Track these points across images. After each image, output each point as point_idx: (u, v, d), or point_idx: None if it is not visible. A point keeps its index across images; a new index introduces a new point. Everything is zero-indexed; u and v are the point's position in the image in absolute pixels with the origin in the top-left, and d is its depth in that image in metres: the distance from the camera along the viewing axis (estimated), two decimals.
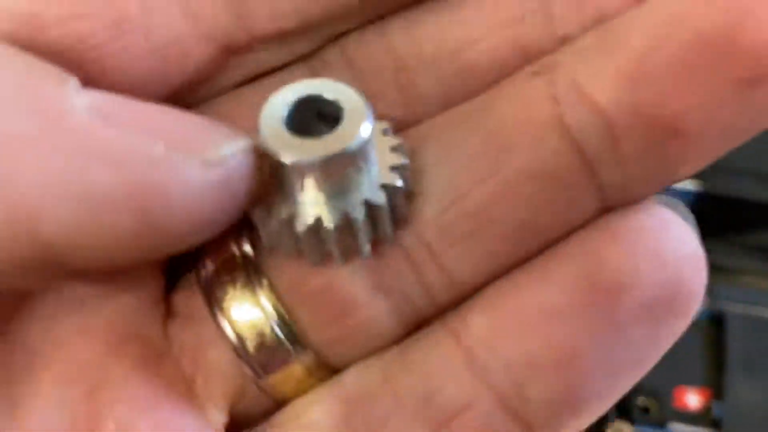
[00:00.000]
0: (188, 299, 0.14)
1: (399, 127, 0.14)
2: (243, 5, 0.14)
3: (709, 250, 0.41)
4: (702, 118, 0.11)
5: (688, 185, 0.40)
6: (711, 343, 0.35)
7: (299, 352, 0.14)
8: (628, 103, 0.12)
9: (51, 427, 0.13)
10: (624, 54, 0.12)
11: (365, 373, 0.14)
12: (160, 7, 0.13)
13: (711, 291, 0.37)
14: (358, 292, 0.13)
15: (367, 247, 0.13)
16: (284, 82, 0.14)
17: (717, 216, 0.40)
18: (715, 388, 0.34)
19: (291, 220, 0.12)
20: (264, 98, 0.13)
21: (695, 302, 0.12)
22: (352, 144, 0.12)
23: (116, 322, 0.14)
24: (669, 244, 0.12)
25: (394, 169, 0.13)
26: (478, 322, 0.13)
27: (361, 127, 0.12)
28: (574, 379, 0.12)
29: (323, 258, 0.13)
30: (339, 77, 0.13)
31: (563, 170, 0.12)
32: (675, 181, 0.13)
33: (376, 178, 0.13)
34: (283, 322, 0.14)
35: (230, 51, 0.14)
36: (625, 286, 0.12)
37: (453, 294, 0.13)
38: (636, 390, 0.34)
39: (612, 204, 0.13)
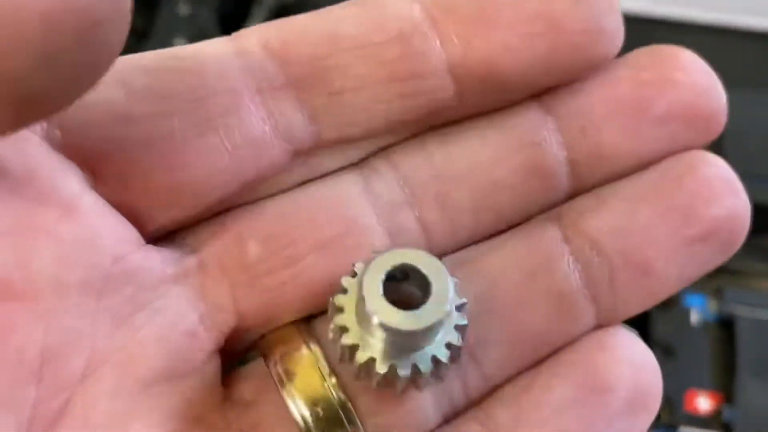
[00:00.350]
0: (247, 384, 0.16)
1: (435, 230, 0.17)
2: (315, 111, 0.16)
3: None
4: (666, 262, 0.16)
5: None
6: (721, 346, 0.35)
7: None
8: (618, 247, 0.16)
9: None
10: (613, 214, 0.16)
11: None
12: (244, 109, 0.15)
13: (721, 294, 0.37)
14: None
15: (422, 386, 0.16)
16: (337, 185, 0.16)
17: None
18: (726, 392, 0.34)
19: (370, 364, 0.15)
20: (319, 198, 0.16)
21: (658, 401, 0.16)
22: (437, 319, 0.15)
23: (179, 406, 0.15)
24: (639, 356, 0.16)
25: (458, 328, 0.15)
26: (503, 415, 0.16)
27: (446, 304, 0.15)
28: None
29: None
30: (386, 181, 0.16)
31: (574, 294, 0.16)
32: (637, 312, 0.17)
33: (443, 335, 0.15)
34: (344, 407, 0.15)
35: (298, 153, 0.16)
36: (613, 387, 0.15)
37: (484, 390, 0.16)
38: None
39: (602, 323, 0.16)
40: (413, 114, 0.16)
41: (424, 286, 0.15)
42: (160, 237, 0.16)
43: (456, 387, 0.16)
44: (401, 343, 0.15)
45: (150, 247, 0.16)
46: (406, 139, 0.17)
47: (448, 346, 0.15)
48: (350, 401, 0.15)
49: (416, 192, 0.17)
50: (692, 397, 0.34)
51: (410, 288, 0.16)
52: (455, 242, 0.17)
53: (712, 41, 0.47)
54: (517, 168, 0.17)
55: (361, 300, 0.15)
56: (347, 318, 0.15)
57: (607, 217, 0.16)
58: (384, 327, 0.14)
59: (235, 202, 0.16)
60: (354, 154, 0.17)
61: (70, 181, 0.14)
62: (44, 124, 0.14)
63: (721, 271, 0.40)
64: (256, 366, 0.16)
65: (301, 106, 0.16)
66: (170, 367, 0.15)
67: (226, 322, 0.16)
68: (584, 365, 0.16)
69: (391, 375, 0.15)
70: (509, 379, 0.16)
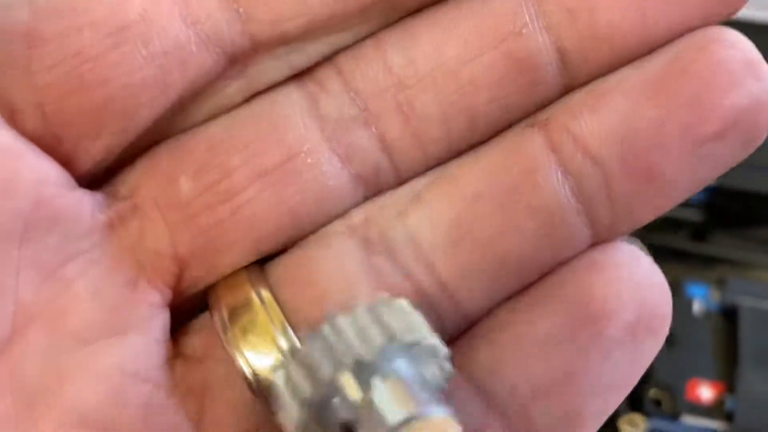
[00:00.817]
0: (196, 340, 0.14)
1: (399, 147, 0.14)
2: (245, 8, 0.14)
3: (722, 244, 0.42)
4: (675, 166, 0.13)
5: None
6: (724, 336, 0.35)
7: None
8: (616, 153, 0.14)
9: None
10: (611, 113, 0.14)
11: None
12: (159, 14, 0.13)
13: (724, 285, 0.36)
14: None
15: None
16: (276, 103, 0.14)
17: (731, 210, 0.40)
18: (728, 381, 0.33)
19: None
20: (258, 124, 0.14)
21: (667, 323, 0.14)
22: None
23: (120, 363, 0.13)
24: (642, 274, 0.14)
25: None
26: (482, 356, 0.14)
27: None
28: (571, 400, 0.13)
29: None
30: (334, 95, 0.14)
31: (563, 210, 0.14)
32: (645, 222, 0.14)
33: None
34: None
35: (232, 59, 0.14)
36: (610, 312, 0.13)
37: (461, 325, 0.14)
38: (648, 383, 0.34)
39: (599, 241, 0.14)
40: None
41: None
42: (95, 181, 0.14)
43: (431, 323, 0.13)
44: None
45: (80, 190, 0.14)
46: (357, 42, 0.14)
47: None
48: None
49: (372, 105, 0.14)
50: (694, 387, 0.34)
51: None
52: (424, 159, 0.14)
53: None
54: (493, 64, 0.14)
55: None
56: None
57: (602, 117, 0.14)
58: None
59: (171, 130, 0.15)
60: (298, 60, 0.14)
61: None
62: None
63: (723, 262, 0.40)
64: (207, 318, 0.14)
65: (227, 1, 0.14)
66: (109, 322, 0.13)
67: (168, 270, 0.14)
68: (575, 290, 0.13)
69: None
70: (491, 314, 0.14)
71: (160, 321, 0.14)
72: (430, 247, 0.14)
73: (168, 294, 0.14)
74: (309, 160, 0.14)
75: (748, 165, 0.43)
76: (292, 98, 0.14)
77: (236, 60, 0.14)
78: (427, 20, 0.14)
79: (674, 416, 0.33)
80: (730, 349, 0.34)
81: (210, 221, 0.14)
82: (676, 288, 0.36)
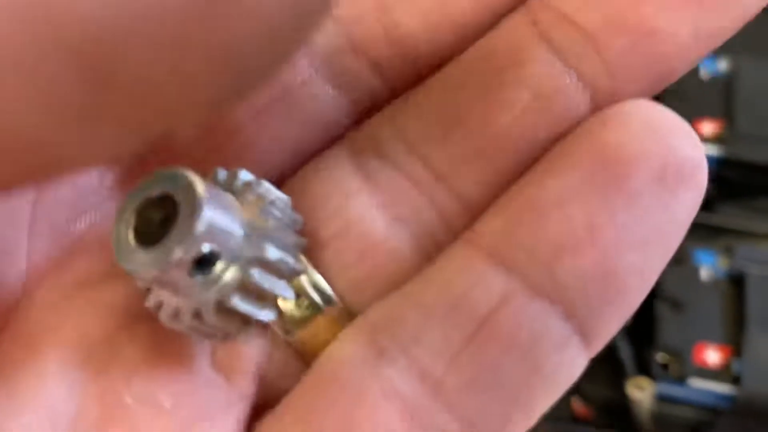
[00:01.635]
0: None
1: (389, 68, 0.14)
2: None
3: (729, 214, 0.42)
4: (671, 16, 0.12)
5: (710, 150, 0.40)
6: (731, 302, 0.35)
7: (326, 303, 0.13)
8: (604, 14, 0.12)
9: (58, 410, 0.12)
10: None
11: (387, 302, 0.13)
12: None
13: (731, 252, 0.37)
14: (378, 227, 0.13)
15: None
16: None
17: (738, 181, 0.40)
18: (735, 345, 0.34)
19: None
20: None
21: (702, 172, 0.12)
22: (176, 253, 0.11)
23: (127, 299, 0.13)
24: (664, 120, 0.12)
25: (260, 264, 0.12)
26: (493, 224, 0.12)
27: (189, 230, 0.11)
28: (600, 254, 0.12)
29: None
30: (322, 33, 0.13)
31: (554, 77, 0.13)
32: (652, 90, 0.13)
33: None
34: (307, 276, 0.13)
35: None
36: (633, 160, 0.12)
37: (466, 217, 0.13)
38: (656, 346, 0.34)
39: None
40: None
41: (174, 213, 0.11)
42: None
43: (431, 217, 0.13)
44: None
45: None
46: None
47: (258, 265, 0.12)
48: (312, 265, 0.13)
49: (356, 31, 0.14)
50: (701, 350, 0.34)
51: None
52: (416, 74, 0.14)
53: None
54: None
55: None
56: None
57: None
58: (135, 274, 0.12)
59: None
60: None
61: None
62: None
63: (730, 232, 0.40)
64: None
65: None
66: (114, 270, 0.12)
67: None
68: (589, 142, 0.12)
69: (175, 318, 0.12)
70: (493, 197, 0.13)
71: None
72: (422, 140, 0.13)
73: None
74: (304, 91, 0.14)
75: (755, 138, 0.43)
76: None
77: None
78: None
79: (681, 379, 0.33)
80: (737, 314, 0.34)
81: (214, 160, 0.13)
82: (683, 255, 0.36)
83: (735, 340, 0.34)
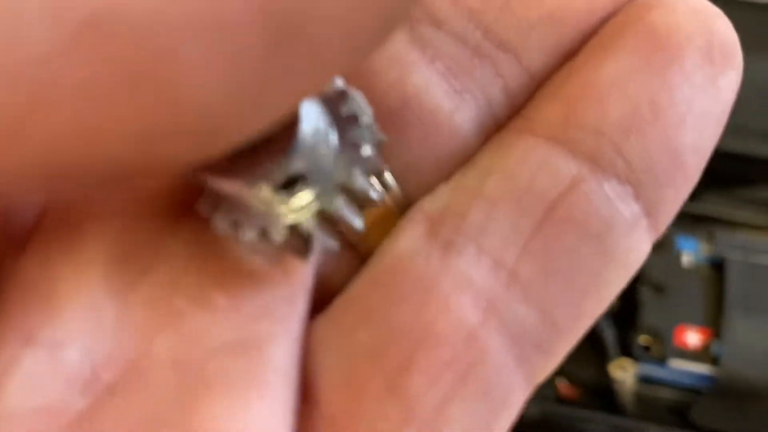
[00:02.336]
0: None
1: None
2: None
3: (711, 202, 0.42)
4: None
5: None
6: (711, 286, 0.36)
7: (386, 189, 0.12)
8: None
9: (101, 314, 0.11)
10: None
11: (443, 194, 0.12)
12: None
13: (712, 238, 0.37)
14: (440, 102, 0.12)
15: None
16: None
17: (720, 171, 0.41)
18: (714, 327, 0.34)
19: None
20: None
21: (739, 52, 0.12)
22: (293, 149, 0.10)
23: (169, 194, 0.11)
24: (703, 5, 0.12)
25: (360, 163, 0.11)
26: (550, 109, 0.12)
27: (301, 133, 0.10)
28: (664, 132, 0.12)
29: None
30: None
31: None
32: None
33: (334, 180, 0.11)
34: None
35: None
36: (683, 41, 0.12)
37: (529, 85, 0.12)
38: (638, 329, 0.35)
39: None
40: None
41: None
42: None
43: (496, 96, 0.12)
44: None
45: None
46: None
47: (346, 191, 0.11)
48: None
49: None
50: (682, 332, 0.35)
51: None
52: None
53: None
54: None
55: None
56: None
57: None
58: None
59: None
60: None
61: None
62: None
63: (713, 221, 0.41)
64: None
65: None
66: None
67: None
68: (639, 25, 0.12)
69: (263, 246, 0.11)
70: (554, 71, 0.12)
71: None
72: (481, 10, 0.12)
73: None
74: None
75: (738, 129, 0.43)
76: None
77: None
78: None
79: (662, 360, 0.34)
80: (717, 298, 0.35)
81: None
82: (666, 242, 0.37)
83: (714, 323, 0.34)
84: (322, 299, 0.12)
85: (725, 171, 0.41)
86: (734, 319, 0.34)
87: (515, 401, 0.11)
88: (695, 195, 0.40)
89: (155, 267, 0.11)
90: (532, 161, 0.12)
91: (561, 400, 0.35)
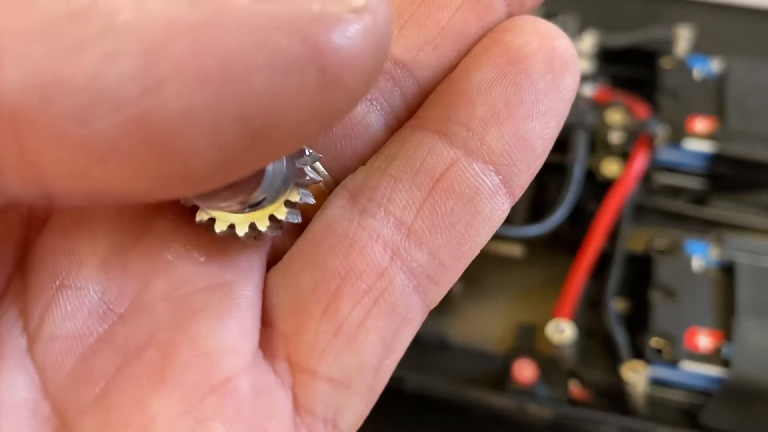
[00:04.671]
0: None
1: None
2: None
3: (721, 208, 0.42)
4: None
5: (703, 147, 0.40)
6: (721, 290, 0.35)
7: (320, 175, 0.16)
8: None
9: (107, 272, 0.14)
10: None
11: (360, 174, 0.16)
12: None
13: (722, 242, 0.37)
14: (358, 109, 0.16)
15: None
16: None
17: (729, 176, 0.40)
18: (725, 330, 0.34)
19: (209, 224, 0.15)
20: None
21: (575, 62, 0.16)
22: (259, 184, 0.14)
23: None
24: (548, 28, 0.16)
25: (299, 183, 0.15)
26: (435, 110, 0.16)
27: (273, 174, 0.14)
28: (516, 124, 0.15)
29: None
30: None
31: None
32: None
33: (285, 194, 0.15)
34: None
35: None
36: (529, 54, 0.15)
37: (422, 97, 0.16)
38: (650, 332, 0.34)
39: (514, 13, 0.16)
40: None
41: None
42: None
43: (397, 102, 0.16)
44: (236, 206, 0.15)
45: None
46: None
47: (288, 204, 0.15)
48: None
49: None
50: (693, 335, 0.34)
51: None
52: None
53: (716, 17, 0.48)
54: None
55: None
56: None
57: None
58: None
59: None
60: None
61: None
62: None
63: (723, 226, 0.40)
64: None
65: None
66: None
67: None
68: (497, 46, 0.16)
69: (230, 233, 0.15)
70: (440, 81, 0.16)
71: None
72: None
73: None
74: None
75: (747, 135, 0.43)
76: None
77: None
78: None
79: (674, 363, 0.34)
80: (727, 301, 0.35)
81: None
82: (676, 247, 0.37)
83: (725, 326, 0.34)
84: (277, 254, 0.16)
85: (734, 176, 0.40)
86: (745, 321, 0.34)
87: (415, 317, 0.15)
88: (705, 200, 0.40)
89: (148, 234, 0.15)
90: (423, 148, 0.15)
91: (573, 402, 0.35)
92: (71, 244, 0.14)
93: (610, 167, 0.39)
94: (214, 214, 0.14)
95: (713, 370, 0.33)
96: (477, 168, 0.15)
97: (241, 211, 0.14)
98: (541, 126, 0.15)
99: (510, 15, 0.16)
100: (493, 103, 0.15)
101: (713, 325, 0.34)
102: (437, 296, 0.15)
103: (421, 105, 0.16)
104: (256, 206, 0.14)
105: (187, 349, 0.14)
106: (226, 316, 0.14)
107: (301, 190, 0.15)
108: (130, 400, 0.13)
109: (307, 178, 0.15)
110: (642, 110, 0.41)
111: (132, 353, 0.14)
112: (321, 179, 0.15)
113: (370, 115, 0.16)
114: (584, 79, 0.42)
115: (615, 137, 0.40)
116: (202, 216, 0.14)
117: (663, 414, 0.35)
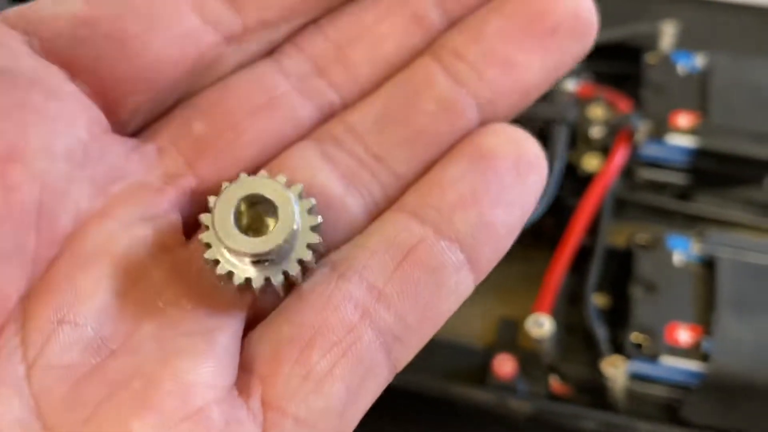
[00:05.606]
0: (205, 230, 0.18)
1: (342, 86, 0.19)
2: (238, 1, 0.18)
3: (704, 203, 0.41)
4: (525, 54, 0.18)
5: (686, 142, 0.39)
6: (702, 284, 0.35)
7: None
8: (478, 50, 0.18)
9: (104, 312, 0.16)
10: (468, 28, 0.19)
11: (343, 248, 0.18)
12: (177, 6, 0.18)
13: (704, 237, 0.36)
14: (337, 192, 0.18)
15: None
16: (256, 69, 0.19)
17: (712, 171, 0.40)
18: (705, 325, 0.34)
19: (227, 276, 0.17)
20: (245, 87, 0.18)
21: (542, 164, 0.18)
22: (280, 243, 0.16)
23: (150, 235, 0.17)
24: (516, 133, 0.18)
25: (311, 246, 0.17)
26: (412, 196, 0.18)
27: (290, 228, 0.16)
28: (482, 211, 0.17)
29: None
30: (292, 59, 0.19)
31: (454, 93, 0.18)
32: (521, 101, 0.19)
33: (296, 253, 0.17)
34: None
35: (228, 40, 0.18)
36: (499, 154, 0.17)
37: (397, 186, 0.18)
38: (630, 327, 0.34)
39: (487, 119, 0.18)
40: None
41: (273, 211, 0.17)
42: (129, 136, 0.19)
43: (376, 191, 0.18)
44: (254, 261, 0.17)
45: (116, 135, 0.18)
46: (307, 24, 0.19)
47: (300, 262, 0.17)
48: None
49: (319, 62, 0.19)
50: (673, 330, 0.34)
51: (265, 211, 0.17)
52: (360, 92, 0.19)
53: (700, 13, 0.47)
54: (395, 21, 0.19)
55: (214, 227, 0.16)
56: (210, 235, 0.17)
57: (465, 32, 0.19)
58: (234, 251, 0.16)
59: (185, 95, 0.19)
60: (275, 38, 0.19)
61: (51, 74, 0.17)
62: (24, 36, 0.17)
63: (704, 220, 0.40)
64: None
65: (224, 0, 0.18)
66: (142, 213, 0.17)
67: (188, 183, 0.18)
68: (471, 146, 0.18)
69: (246, 285, 0.17)
70: (418, 177, 0.18)
71: (176, 217, 0.18)
72: (365, 133, 0.18)
73: (184, 200, 0.18)
74: (283, 99, 0.19)
75: (729, 130, 0.42)
76: (266, 65, 0.19)
77: (233, 41, 0.18)
78: (352, 6, 0.19)
79: (654, 358, 0.33)
80: (708, 295, 0.34)
81: (221, 144, 0.18)
82: (657, 241, 0.36)
83: (705, 321, 0.34)
84: (255, 310, 0.17)
85: (716, 171, 0.40)
86: (725, 316, 0.33)
87: (381, 372, 0.17)
88: (686, 195, 0.39)
89: (145, 281, 0.17)
90: (398, 226, 0.17)
91: (553, 396, 0.35)
92: (75, 285, 0.16)
93: (591, 162, 0.39)
94: (231, 267, 0.16)
95: (693, 365, 0.33)
96: (444, 245, 0.17)
97: (259, 265, 0.16)
98: (506, 214, 0.17)
99: (484, 121, 0.18)
100: (462, 190, 0.17)
101: (693, 319, 0.34)
102: (403, 356, 0.17)
103: (398, 194, 0.18)
104: (270, 262, 0.16)
105: (169, 381, 0.15)
106: (205, 356, 0.16)
107: (310, 252, 0.17)
108: (114, 422, 0.15)
109: (317, 242, 0.17)
110: (624, 105, 0.40)
111: (120, 384, 0.15)
112: (323, 243, 0.17)
113: (348, 198, 0.18)
114: (568, 74, 0.41)
115: (596, 132, 0.39)
116: (222, 269, 0.16)
117: (643, 409, 0.34)
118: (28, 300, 0.16)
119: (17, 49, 0.17)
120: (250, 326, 0.17)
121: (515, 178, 0.17)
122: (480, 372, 0.35)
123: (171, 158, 0.18)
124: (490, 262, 0.17)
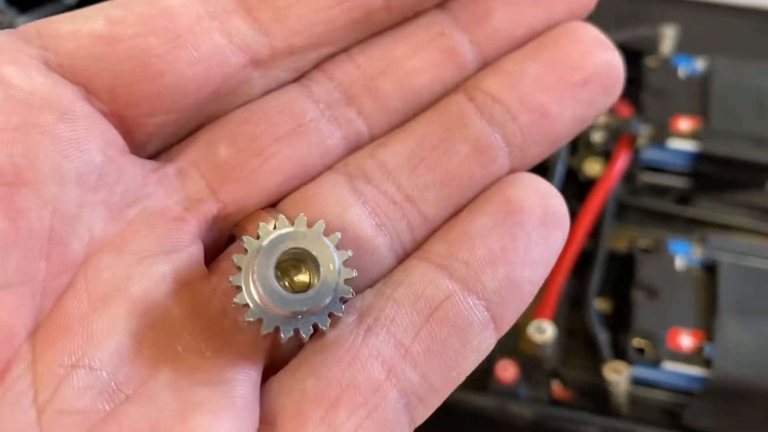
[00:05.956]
0: (226, 258, 0.18)
1: (371, 116, 0.19)
2: (266, 26, 0.18)
3: (705, 207, 0.41)
4: (558, 104, 0.18)
5: (687, 146, 0.39)
6: (703, 289, 0.35)
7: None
8: (514, 96, 0.18)
9: (119, 356, 0.15)
10: (505, 72, 0.19)
11: (368, 296, 0.17)
12: (203, 26, 0.17)
13: (705, 242, 0.36)
14: (366, 231, 0.18)
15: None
16: (284, 94, 0.18)
17: (713, 175, 0.40)
18: (707, 330, 0.33)
19: (256, 324, 0.16)
20: (274, 110, 0.18)
21: (566, 219, 0.18)
22: (322, 303, 0.16)
23: (170, 272, 0.17)
24: (544, 187, 0.18)
25: (342, 300, 0.17)
26: (440, 246, 0.18)
27: (331, 289, 0.16)
28: (509, 268, 0.17)
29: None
30: (322, 86, 0.19)
31: (487, 137, 0.18)
32: (551, 149, 0.19)
33: (328, 306, 0.16)
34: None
35: (255, 63, 0.18)
36: (527, 209, 0.17)
37: (426, 228, 0.18)
38: (632, 332, 0.34)
39: (516, 168, 0.18)
40: (348, 19, 0.18)
41: (311, 262, 0.16)
42: (150, 156, 0.18)
43: (404, 231, 0.18)
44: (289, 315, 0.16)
45: (135, 156, 0.17)
46: (336, 53, 0.19)
47: (330, 315, 0.16)
48: None
49: (349, 90, 0.19)
50: (675, 335, 0.34)
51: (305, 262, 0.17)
52: (389, 123, 0.19)
53: (701, 16, 0.47)
54: (427, 55, 0.19)
55: (254, 279, 0.16)
56: (242, 278, 0.16)
57: (501, 75, 0.19)
58: (274, 305, 0.16)
59: (209, 117, 0.18)
60: (302, 65, 0.19)
61: (64, 93, 0.16)
62: (39, 51, 0.16)
63: (706, 225, 0.40)
64: (234, 246, 0.18)
65: (252, 22, 0.18)
66: (161, 246, 0.17)
67: (209, 209, 0.17)
68: (500, 197, 0.18)
69: (275, 334, 0.16)
70: (445, 220, 0.18)
71: (198, 248, 0.17)
72: (396, 171, 0.18)
73: (205, 228, 0.17)
74: (311, 126, 0.18)
75: (730, 134, 0.42)
76: (294, 90, 0.19)
77: (260, 66, 0.18)
78: (384, 37, 0.19)
79: (656, 363, 0.33)
80: (710, 300, 0.34)
81: (244, 171, 0.18)
82: (659, 245, 0.36)
83: (707, 326, 0.33)
84: (274, 358, 0.17)
85: (717, 175, 0.40)
86: (726, 321, 0.33)
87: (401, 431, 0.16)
88: (688, 199, 0.39)
89: (161, 323, 0.16)
90: (426, 278, 0.17)
91: (555, 402, 0.35)
92: (90, 327, 0.15)
93: (592, 166, 0.39)
94: (262, 315, 0.16)
95: (695, 370, 0.33)
96: (471, 302, 0.17)
97: (292, 315, 0.16)
98: (531, 272, 0.17)
99: (512, 167, 0.18)
100: (491, 246, 0.17)
101: (695, 324, 0.34)
102: (423, 416, 0.17)
103: (425, 236, 0.18)
104: (303, 312, 0.16)
105: None
106: (224, 412, 0.15)
107: (342, 306, 0.16)
108: None
109: (351, 296, 0.17)
110: (625, 110, 0.40)
111: None
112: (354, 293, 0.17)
113: (378, 238, 0.18)
114: None
115: (597, 136, 0.39)
116: (252, 315, 0.16)
117: (645, 414, 0.34)
118: (36, 337, 0.15)
119: (30, 66, 0.16)
120: (268, 370, 0.17)
121: (541, 235, 0.17)
122: (482, 377, 0.35)
123: (193, 181, 0.17)
124: (512, 319, 0.17)
